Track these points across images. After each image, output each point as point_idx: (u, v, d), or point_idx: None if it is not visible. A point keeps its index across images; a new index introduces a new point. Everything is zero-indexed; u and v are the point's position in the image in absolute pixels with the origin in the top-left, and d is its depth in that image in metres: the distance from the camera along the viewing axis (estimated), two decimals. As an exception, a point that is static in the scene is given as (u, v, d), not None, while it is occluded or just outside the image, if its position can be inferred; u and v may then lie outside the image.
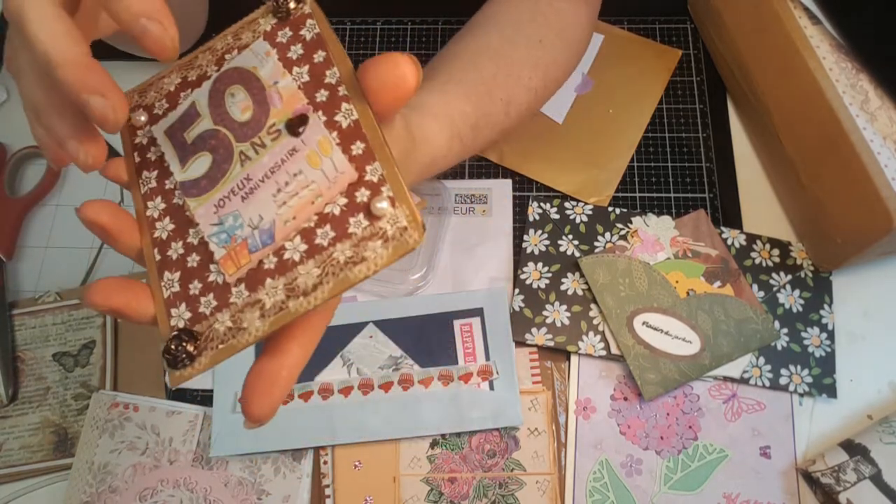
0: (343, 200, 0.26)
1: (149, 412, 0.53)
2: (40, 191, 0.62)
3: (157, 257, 0.29)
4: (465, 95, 0.41)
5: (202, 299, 0.27)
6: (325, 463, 0.52)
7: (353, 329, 0.55)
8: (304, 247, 0.26)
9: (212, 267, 0.27)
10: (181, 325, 0.27)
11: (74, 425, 0.53)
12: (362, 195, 0.26)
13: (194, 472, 0.51)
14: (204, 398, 0.54)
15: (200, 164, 0.29)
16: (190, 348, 0.26)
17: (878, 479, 0.46)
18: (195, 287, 0.27)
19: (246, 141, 0.28)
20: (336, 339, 0.54)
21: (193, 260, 0.28)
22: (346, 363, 0.54)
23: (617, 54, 0.64)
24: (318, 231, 0.26)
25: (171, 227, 0.29)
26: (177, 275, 0.28)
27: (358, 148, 0.26)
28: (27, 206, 0.61)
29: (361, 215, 0.25)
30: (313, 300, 0.25)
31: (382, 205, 0.25)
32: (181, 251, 0.28)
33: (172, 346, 0.26)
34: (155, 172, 0.30)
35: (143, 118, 0.31)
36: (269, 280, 0.26)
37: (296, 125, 0.28)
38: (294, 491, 0.51)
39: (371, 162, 0.26)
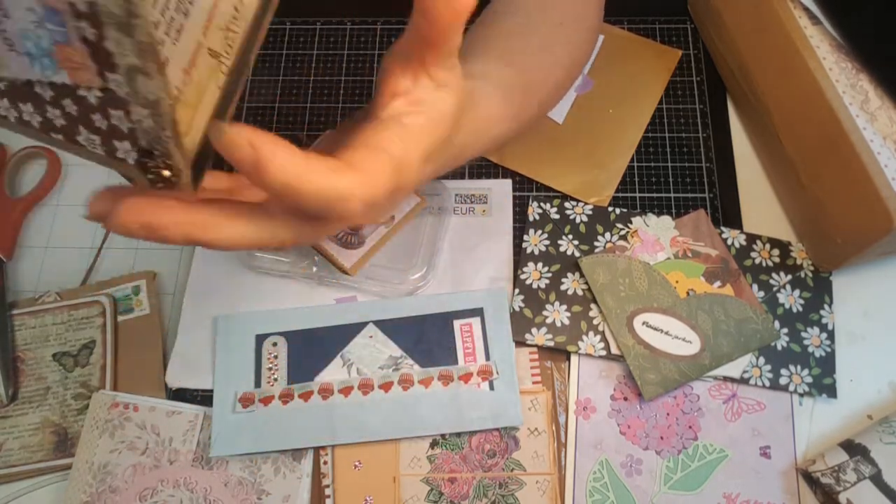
0: None
1: (149, 412, 0.53)
2: (40, 191, 0.62)
3: (61, 138, 0.25)
4: (506, 64, 0.43)
5: (115, 123, 0.23)
6: (325, 463, 0.52)
7: (353, 329, 0.55)
8: None
9: (79, 92, 0.22)
10: (132, 159, 0.24)
11: (74, 425, 0.53)
12: None
13: (194, 472, 0.51)
14: (204, 398, 0.54)
15: None
16: (157, 163, 0.23)
17: (878, 479, 0.46)
18: (99, 120, 0.23)
19: None
20: (336, 339, 0.54)
21: (71, 107, 0.23)
22: (346, 363, 0.54)
23: (617, 54, 0.64)
24: None
25: (30, 108, 0.24)
26: (86, 130, 0.24)
27: None
28: (27, 206, 0.61)
29: None
30: (139, 16, 0.19)
31: None
32: (58, 110, 0.24)
33: (149, 177, 0.23)
34: None
35: None
36: (107, 43, 0.20)
37: None
38: (294, 491, 0.51)
39: None
